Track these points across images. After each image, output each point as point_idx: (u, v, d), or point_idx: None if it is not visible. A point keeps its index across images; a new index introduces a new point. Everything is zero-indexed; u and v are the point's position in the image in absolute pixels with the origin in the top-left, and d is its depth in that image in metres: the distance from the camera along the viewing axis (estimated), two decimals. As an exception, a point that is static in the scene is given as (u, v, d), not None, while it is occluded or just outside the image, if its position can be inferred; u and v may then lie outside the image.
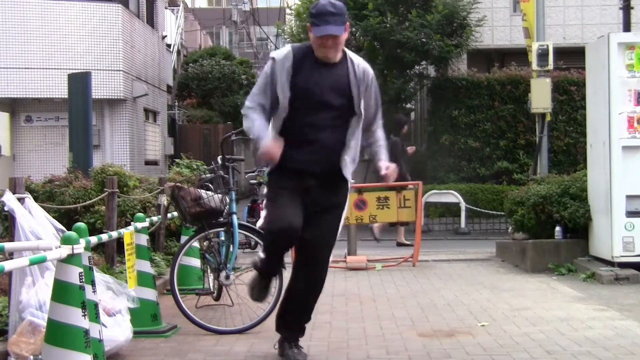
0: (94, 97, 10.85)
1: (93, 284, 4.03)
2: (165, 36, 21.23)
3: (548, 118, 12.60)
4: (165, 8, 22.13)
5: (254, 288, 4.74)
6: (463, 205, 14.72)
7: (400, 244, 11.62)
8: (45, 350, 3.60)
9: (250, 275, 4.84)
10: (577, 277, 7.88)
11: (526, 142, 15.99)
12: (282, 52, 4.57)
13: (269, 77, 4.52)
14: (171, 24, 23.34)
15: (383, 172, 4.56)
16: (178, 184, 6.15)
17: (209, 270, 6.10)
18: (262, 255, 4.67)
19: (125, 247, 5.11)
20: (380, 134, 4.73)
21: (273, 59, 4.54)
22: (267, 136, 4.45)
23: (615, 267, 7.66)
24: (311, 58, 4.51)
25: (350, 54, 4.60)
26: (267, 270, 4.71)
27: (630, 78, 7.78)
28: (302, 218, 4.46)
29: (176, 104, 23.88)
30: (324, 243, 4.57)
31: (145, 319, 5.37)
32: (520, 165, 15.91)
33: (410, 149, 12.89)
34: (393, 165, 4.59)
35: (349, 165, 4.58)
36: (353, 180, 4.76)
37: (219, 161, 5.84)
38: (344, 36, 4.45)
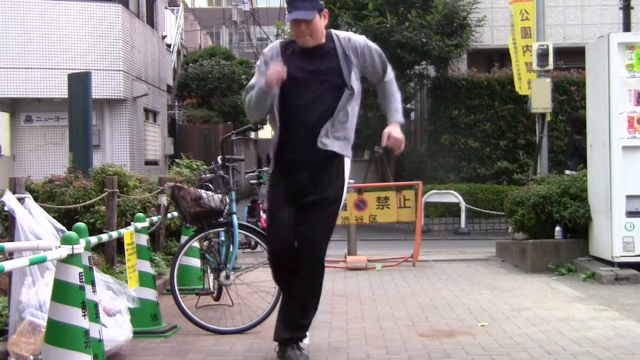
0: (94, 97, 10.84)
1: (93, 284, 4.03)
2: (165, 36, 21.23)
3: (548, 118, 12.60)
4: (165, 8, 22.14)
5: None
6: (463, 205, 14.73)
7: None
8: (45, 350, 3.60)
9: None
10: (577, 277, 7.88)
11: (526, 142, 16.00)
12: (270, 46, 4.74)
13: (261, 70, 4.61)
14: (171, 24, 23.34)
15: (384, 142, 4.54)
16: (178, 184, 6.14)
17: (209, 270, 6.09)
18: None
19: (126, 247, 5.11)
20: (393, 87, 4.72)
21: (263, 53, 4.71)
22: (262, 78, 4.52)
23: (615, 267, 7.66)
24: (296, 48, 4.59)
25: (336, 32, 4.64)
26: (282, 287, 4.77)
27: (630, 78, 7.77)
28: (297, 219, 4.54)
29: (176, 104, 23.88)
30: (319, 236, 4.55)
31: (145, 319, 5.37)
32: (520, 165, 15.91)
33: None
34: (395, 135, 4.52)
35: (340, 143, 4.55)
36: (350, 165, 4.68)
37: (219, 161, 5.84)
38: (319, 21, 4.49)
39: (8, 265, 3.38)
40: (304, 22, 4.45)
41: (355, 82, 4.56)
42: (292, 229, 4.54)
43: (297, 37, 4.55)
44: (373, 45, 4.68)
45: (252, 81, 4.69)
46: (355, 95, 4.57)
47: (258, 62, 4.72)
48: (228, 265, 5.55)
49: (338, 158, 4.58)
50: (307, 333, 4.78)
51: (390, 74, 4.76)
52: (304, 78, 4.52)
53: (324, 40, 4.58)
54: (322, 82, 4.54)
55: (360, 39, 4.66)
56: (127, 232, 5.17)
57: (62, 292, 3.58)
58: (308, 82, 4.53)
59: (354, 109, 4.60)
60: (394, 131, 4.54)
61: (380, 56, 4.68)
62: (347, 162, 4.64)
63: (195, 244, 5.81)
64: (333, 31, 4.66)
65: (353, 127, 4.63)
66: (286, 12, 4.54)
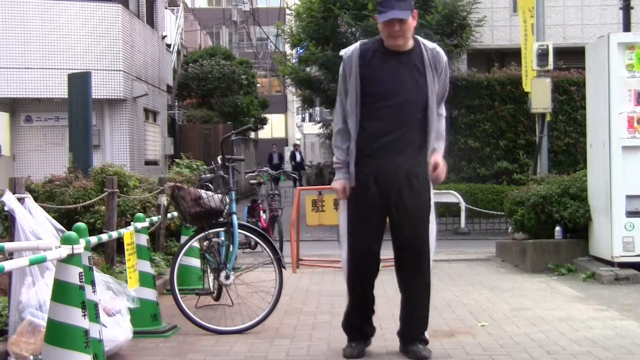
0: (94, 97, 10.84)
1: (93, 284, 4.03)
2: (165, 36, 21.22)
3: (548, 118, 12.61)
4: (165, 8, 22.13)
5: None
6: (463, 205, 14.72)
7: None
8: (45, 350, 3.59)
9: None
10: (577, 277, 7.87)
11: (526, 142, 15.99)
12: (350, 48, 4.58)
13: (341, 78, 4.55)
14: (171, 24, 23.33)
15: (430, 170, 4.51)
16: (178, 184, 6.15)
17: (209, 270, 6.10)
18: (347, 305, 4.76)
19: (126, 247, 5.11)
20: (440, 123, 4.61)
21: (342, 57, 4.57)
22: (342, 174, 4.53)
23: (615, 267, 7.66)
24: (381, 50, 4.48)
25: (422, 39, 4.55)
26: (355, 315, 4.73)
27: (630, 78, 7.77)
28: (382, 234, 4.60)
29: (176, 104, 23.87)
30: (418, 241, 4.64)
31: (145, 319, 5.36)
32: (520, 165, 15.91)
33: None
34: (442, 165, 4.50)
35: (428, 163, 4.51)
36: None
37: (219, 161, 5.84)
38: (412, 22, 4.41)
39: (8, 265, 3.38)
40: (398, 21, 4.34)
41: (436, 95, 4.48)
42: (374, 236, 4.69)
43: (389, 38, 4.40)
44: (447, 67, 4.59)
45: (337, 105, 4.59)
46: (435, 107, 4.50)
47: (340, 69, 4.56)
48: (228, 265, 5.55)
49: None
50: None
51: (443, 108, 4.65)
52: (392, 84, 4.42)
53: (412, 43, 4.48)
54: (410, 88, 4.43)
55: (443, 53, 4.57)
56: (127, 232, 5.17)
57: (62, 292, 3.58)
58: (396, 89, 4.42)
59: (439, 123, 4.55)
60: (440, 160, 4.51)
61: (447, 82, 4.57)
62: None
63: (195, 244, 5.81)
64: (419, 38, 4.54)
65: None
66: (377, 13, 4.40)
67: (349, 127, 4.52)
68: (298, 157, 32.67)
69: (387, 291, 7.27)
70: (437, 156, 4.52)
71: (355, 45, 4.56)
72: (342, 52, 4.59)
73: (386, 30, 4.40)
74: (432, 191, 4.65)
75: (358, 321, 4.73)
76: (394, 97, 4.43)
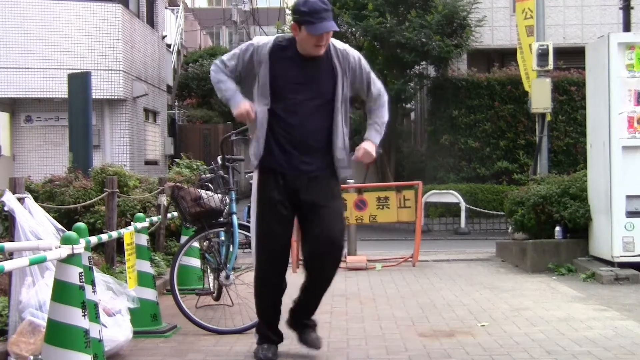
0: (94, 97, 10.84)
1: (93, 284, 4.03)
2: (165, 36, 21.23)
3: (548, 118, 12.59)
4: (165, 8, 22.13)
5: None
6: (463, 205, 14.73)
7: None
8: (45, 350, 3.59)
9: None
10: (577, 277, 7.87)
11: (526, 142, 16.00)
12: (265, 40, 4.57)
13: (242, 54, 4.54)
14: (171, 24, 23.34)
15: (356, 154, 4.54)
16: (178, 184, 6.14)
17: (209, 270, 6.09)
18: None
19: (125, 247, 5.11)
20: (379, 112, 4.64)
21: (252, 43, 4.57)
22: (240, 97, 4.48)
23: (615, 267, 7.66)
24: (293, 51, 4.47)
25: (332, 41, 4.52)
26: (265, 321, 4.67)
27: (630, 78, 7.77)
28: (291, 228, 4.53)
29: (176, 104, 23.88)
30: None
31: (145, 319, 5.36)
32: (520, 165, 15.92)
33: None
34: (364, 150, 4.52)
35: (339, 162, 4.52)
36: (349, 176, 4.71)
37: (219, 161, 5.84)
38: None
39: (8, 265, 3.38)
40: (326, 33, 4.36)
41: (344, 93, 4.49)
42: (282, 230, 4.59)
43: (314, 48, 4.39)
44: (364, 62, 4.60)
45: (225, 56, 4.58)
46: (344, 107, 4.51)
47: (243, 46, 4.58)
48: (228, 265, 5.54)
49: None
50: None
51: (381, 96, 4.65)
52: (299, 88, 4.44)
53: None
54: (317, 91, 4.45)
55: (352, 51, 4.57)
56: (127, 232, 5.17)
57: (62, 292, 3.58)
58: (302, 92, 4.44)
59: (343, 121, 4.53)
60: (366, 145, 4.54)
61: (366, 74, 4.59)
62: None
63: (195, 244, 5.81)
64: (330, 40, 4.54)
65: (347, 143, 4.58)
66: (301, 22, 4.33)
67: (252, 105, 4.49)
68: None
69: (387, 291, 7.28)
70: (365, 143, 4.55)
71: (270, 39, 4.57)
72: (255, 40, 4.59)
73: (313, 41, 4.37)
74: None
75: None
76: (301, 97, 4.45)
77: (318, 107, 4.47)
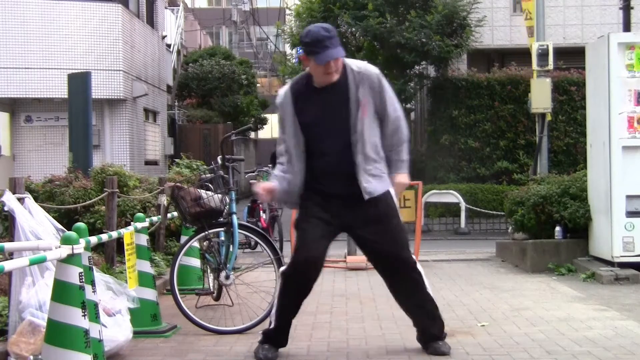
0: (94, 97, 10.84)
1: (93, 284, 4.03)
2: (165, 36, 21.23)
3: (548, 118, 12.61)
4: (165, 8, 22.13)
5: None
6: (463, 205, 14.73)
7: None
8: (45, 350, 3.59)
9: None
10: (577, 277, 7.87)
11: (526, 142, 16.00)
12: (281, 93, 4.66)
13: (281, 119, 4.66)
14: (171, 24, 23.34)
15: (394, 190, 4.66)
16: (178, 184, 6.14)
17: (209, 270, 6.09)
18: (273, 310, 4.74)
19: (125, 247, 5.11)
20: (397, 138, 4.65)
21: (277, 104, 4.69)
22: (272, 180, 4.70)
23: (615, 267, 7.66)
24: (310, 87, 4.55)
25: (347, 61, 4.55)
26: (278, 325, 4.70)
27: (630, 78, 7.77)
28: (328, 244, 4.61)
29: (176, 104, 23.87)
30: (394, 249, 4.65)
31: (145, 319, 5.37)
32: (520, 165, 15.92)
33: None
34: (398, 184, 4.68)
35: (371, 181, 4.55)
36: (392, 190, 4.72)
37: (219, 161, 5.84)
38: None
39: (8, 265, 3.38)
40: (334, 60, 4.39)
41: (365, 114, 4.51)
42: (318, 242, 4.67)
43: (324, 76, 4.44)
44: (384, 82, 4.60)
45: (279, 136, 4.68)
46: (371, 125, 4.54)
47: (279, 111, 4.67)
48: (228, 265, 5.55)
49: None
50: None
51: (399, 121, 4.66)
52: (324, 121, 4.51)
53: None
54: (341, 118, 4.49)
55: (371, 69, 4.58)
56: (127, 232, 5.17)
57: (62, 292, 3.58)
58: (328, 124, 4.52)
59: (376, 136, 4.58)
60: (399, 180, 4.68)
61: (386, 95, 4.58)
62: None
63: (195, 244, 5.81)
64: (346, 61, 4.54)
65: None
66: (308, 53, 4.41)
67: (292, 157, 4.62)
68: None
69: (387, 291, 7.26)
70: (398, 177, 4.69)
71: (286, 89, 4.64)
72: (277, 101, 4.71)
73: (322, 70, 4.43)
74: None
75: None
76: (327, 126, 4.52)
77: (344, 132, 4.51)
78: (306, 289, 4.66)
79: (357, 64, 4.58)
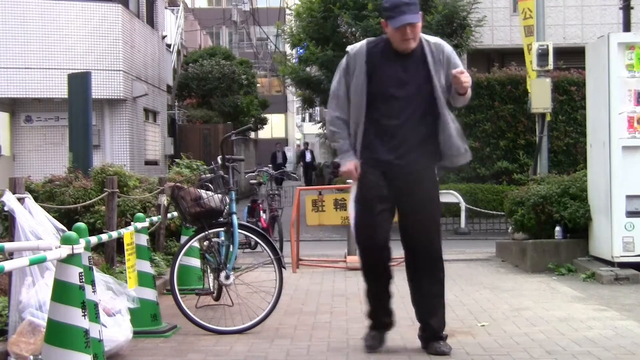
0: (94, 97, 10.83)
1: (93, 284, 4.03)
2: (165, 36, 21.23)
3: (548, 118, 12.59)
4: (165, 8, 22.13)
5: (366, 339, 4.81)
6: (463, 205, 14.72)
7: None
8: (45, 350, 3.59)
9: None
10: (577, 277, 7.88)
11: (526, 142, 15.99)
12: (356, 45, 4.67)
13: (343, 71, 4.64)
14: (171, 24, 23.33)
15: (454, 81, 4.52)
16: (178, 184, 6.14)
17: (209, 270, 6.10)
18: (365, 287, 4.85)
19: (125, 247, 5.11)
20: (447, 117, 4.63)
21: (347, 52, 4.66)
22: (350, 155, 4.63)
23: (615, 267, 7.66)
24: (387, 50, 4.57)
25: (423, 36, 4.61)
26: (374, 305, 4.83)
27: (630, 78, 7.77)
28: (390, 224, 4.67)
29: (176, 104, 23.86)
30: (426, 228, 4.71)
31: (145, 319, 5.37)
32: (520, 165, 15.90)
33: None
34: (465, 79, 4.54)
35: (456, 149, 4.70)
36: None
37: (219, 161, 5.84)
38: (420, 24, 4.51)
39: (8, 265, 3.38)
40: (410, 25, 4.43)
41: (443, 85, 4.56)
42: (381, 227, 4.80)
43: (401, 42, 4.48)
44: (455, 56, 4.67)
45: (334, 87, 4.67)
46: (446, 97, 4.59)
47: (341, 63, 4.67)
48: (228, 265, 5.55)
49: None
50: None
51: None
52: (397, 87, 4.52)
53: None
54: (415, 88, 4.52)
55: (444, 44, 4.65)
56: (127, 232, 5.17)
57: (62, 292, 3.58)
58: (400, 91, 4.53)
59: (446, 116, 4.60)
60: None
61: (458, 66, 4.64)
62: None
63: (195, 244, 5.81)
64: (422, 35, 4.60)
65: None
66: (386, 18, 4.48)
67: (349, 120, 4.64)
68: (308, 157, 31.17)
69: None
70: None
71: (362, 43, 4.66)
72: (349, 48, 4.69)
73: (398, 36, 4.48)
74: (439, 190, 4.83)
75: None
76: (401, 93, 4.54)
77: (419, 101, 4.55)
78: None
79: (432, 38, 4.68)
